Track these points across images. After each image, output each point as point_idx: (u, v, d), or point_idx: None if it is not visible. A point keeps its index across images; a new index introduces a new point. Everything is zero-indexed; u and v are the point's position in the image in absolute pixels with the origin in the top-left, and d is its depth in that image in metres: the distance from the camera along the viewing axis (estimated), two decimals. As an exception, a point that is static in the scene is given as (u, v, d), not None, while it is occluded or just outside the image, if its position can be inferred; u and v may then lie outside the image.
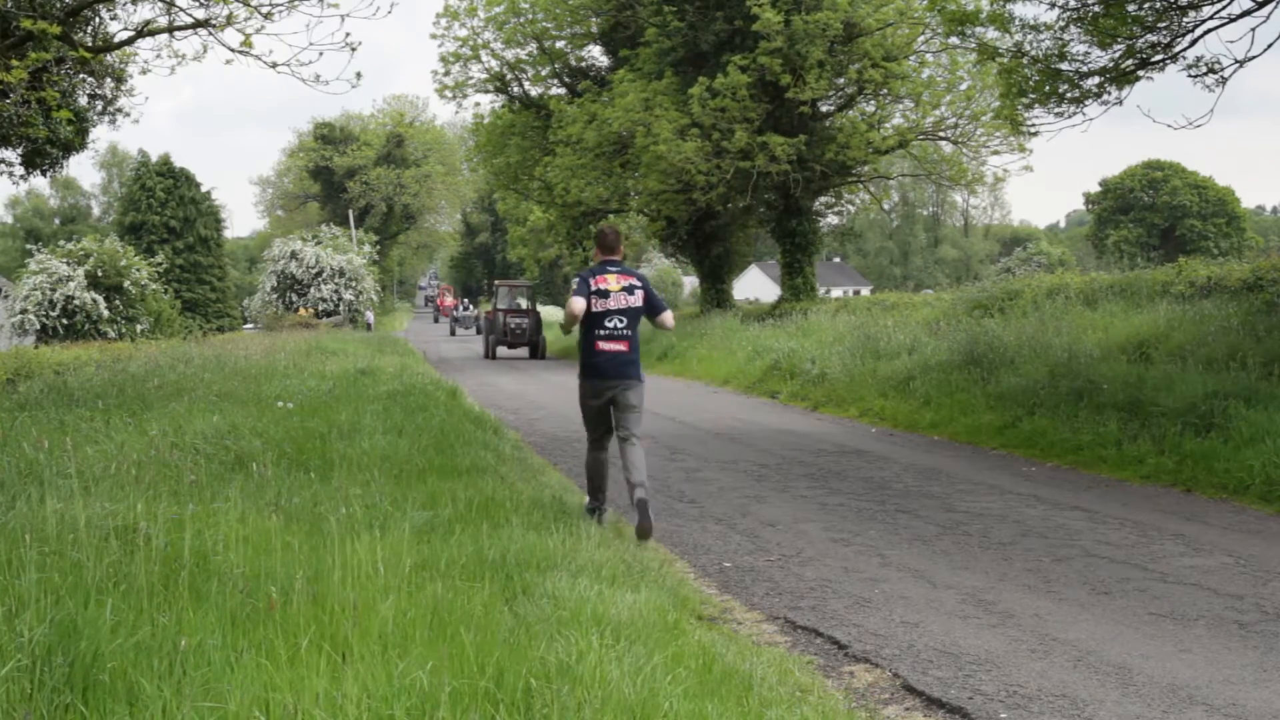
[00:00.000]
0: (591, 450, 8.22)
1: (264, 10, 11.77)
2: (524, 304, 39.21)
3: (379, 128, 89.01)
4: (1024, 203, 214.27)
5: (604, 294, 7.92)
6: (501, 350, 36.75)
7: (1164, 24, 13.32)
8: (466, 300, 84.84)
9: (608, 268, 8.05)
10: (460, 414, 12.91)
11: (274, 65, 11.66)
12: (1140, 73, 13.87)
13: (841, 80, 30.63)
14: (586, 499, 8.34)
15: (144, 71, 21.80)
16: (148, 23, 13.24)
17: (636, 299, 7.97)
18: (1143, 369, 12.51)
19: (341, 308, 55.24)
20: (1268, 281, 15.12)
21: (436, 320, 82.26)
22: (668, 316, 8.14)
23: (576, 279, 8.01)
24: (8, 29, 12.28)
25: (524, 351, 37.22)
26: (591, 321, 7.90)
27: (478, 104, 38.04)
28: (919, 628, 5.85)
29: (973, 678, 5.09)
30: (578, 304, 7.81)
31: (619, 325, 7.92)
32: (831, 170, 30.31)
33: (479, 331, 58.49)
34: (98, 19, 16.75)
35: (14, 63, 11.48)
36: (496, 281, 43.53)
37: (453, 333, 60.81)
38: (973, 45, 15.25)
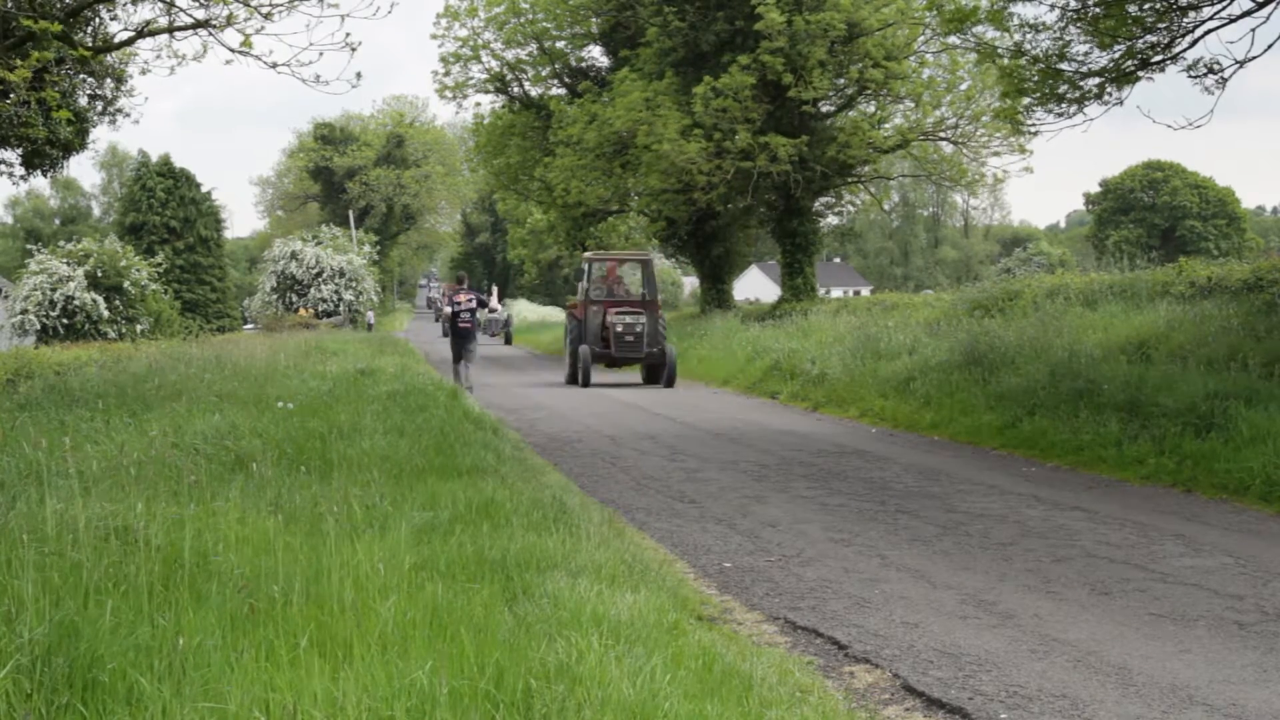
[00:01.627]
0: (454, 365, 19.49)
1: (264, 10, 11.73)
2: (635, 292, 24.09)
3: (379, 128, 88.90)
4: (1024, 203, 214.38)
5: (458, 303, 19.24)
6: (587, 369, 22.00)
7: (1164, 24, 13.32)
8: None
9: (461, 289, 19.75)
10: (460, 414, 12.89)
11: (274, 65, 11.63)
12: (1140, 73, 13.87)
13: (842, 80, 30.65)
14: (453, 379, 18.61)
15: (144, 72, 21.86)
16: (148, 23, 13.22)
17: (473, 303, 19.37)
18: (1143, 369, 12.50)
19: (342, 308, 55.11)
20: (1268, 282, 15.10)
21: (445, 335, 68.58)
22: (485, 308, 20.62)
23: (444, 297, 19.75)
24: (8, 29, 12.26)
25: (637, 373, 23.33)
26: (455, 315, 19.35)
27: (478, 104, 37.74)
28: (919, 628, 5.85)
29: (973, 678, 5.09)
30: (447, 311, 20.29)
31: (467, 315, 19.29)
32: (832, 170, 30.32)
33: (508, 340, 47.65)
34: (98, 19, 16.74)
35: (17, 62, 11.46)
36: (588, 255, 25.09)
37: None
38: (972, 45, 15.26)
